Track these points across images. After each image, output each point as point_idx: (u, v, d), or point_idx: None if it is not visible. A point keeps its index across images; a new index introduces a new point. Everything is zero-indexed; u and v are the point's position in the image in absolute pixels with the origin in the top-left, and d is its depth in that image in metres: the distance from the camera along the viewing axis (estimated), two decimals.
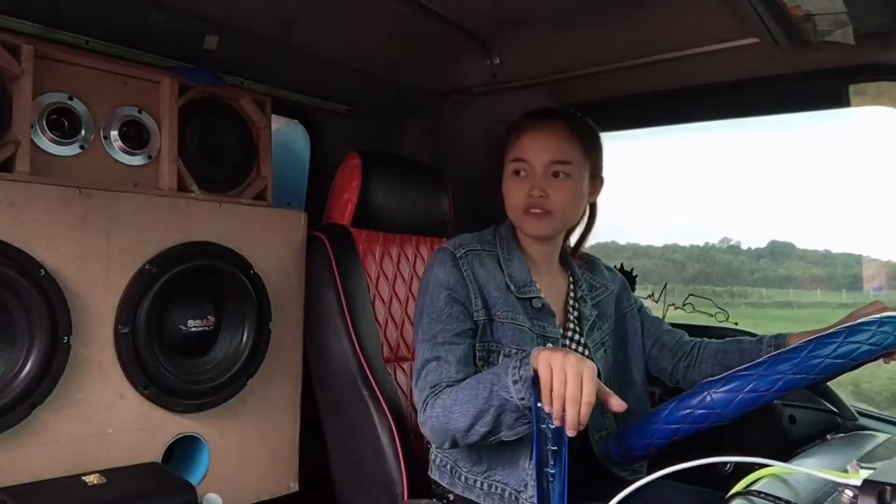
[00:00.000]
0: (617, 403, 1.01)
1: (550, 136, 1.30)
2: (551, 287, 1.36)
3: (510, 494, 1.21)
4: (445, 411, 1.14)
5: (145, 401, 1.35)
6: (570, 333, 1.35)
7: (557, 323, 1.32)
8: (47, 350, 1.21)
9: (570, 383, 0.95)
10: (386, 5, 1.57)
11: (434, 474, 1.32)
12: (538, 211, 1.29)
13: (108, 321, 1.30)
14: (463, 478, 1.26)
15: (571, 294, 1.39)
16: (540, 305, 1.30)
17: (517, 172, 1.31)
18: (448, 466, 1.29)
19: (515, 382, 1.04)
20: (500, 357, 1.24)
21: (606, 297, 1.43)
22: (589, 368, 0.96)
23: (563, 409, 0.95)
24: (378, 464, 1.41)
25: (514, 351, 1.24)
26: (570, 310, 1.37)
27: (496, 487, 1.23)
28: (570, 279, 1.42)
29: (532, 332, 1.27)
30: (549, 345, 1.27)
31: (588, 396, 0.95)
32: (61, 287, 1.23)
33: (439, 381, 1.19)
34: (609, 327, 1.41)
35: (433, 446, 1.32)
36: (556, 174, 1.29)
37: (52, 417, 1.23)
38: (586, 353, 1.34)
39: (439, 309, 1.25)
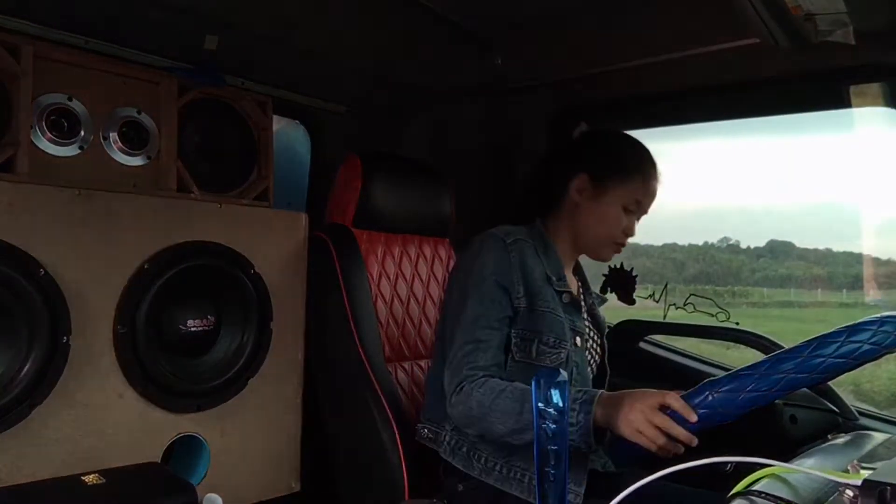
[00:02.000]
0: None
1: None
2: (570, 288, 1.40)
3: (531, 480, 1.22)
4: (482, 409, 1.16)
5: (145, 401, 1.35)
6: (589, 332, 1.39)
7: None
8: (47, 350, 1.21)
9: (656, 421, 1.05)
10: (386, 5, 1.57)
11: (447, 455, 1.30)
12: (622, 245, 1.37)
13: (108, 321, 1.30)
14: (483, 460, 1.26)
15: (582, 298, 1.43)
16: (569, 300, 1.33)
17: (627, 209, 1.35)
18: (464, 449, 1.28)
19: (571, 426, 1.06)
20: (535, 345, 1.26)
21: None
22: (650, 395, 1.06)
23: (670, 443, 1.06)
24: (379, 463, 1.41)
25: (552, 340, 1.26)
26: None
27: (515, 472, 1.24)
28: (579, 284, 1.46)
29: (565, 324, 1.30)
30: (578, 339, 1.32)
31: (669, 426, 1.06)
32: (61, 287, 1.23)
33: (476, 370, 1.19)
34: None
35: (447, 428, 1.31)
36: None
37: (51, 417, 1.23)
38: (601, 353, 1.42)
39: (484, 293, 1.25)
